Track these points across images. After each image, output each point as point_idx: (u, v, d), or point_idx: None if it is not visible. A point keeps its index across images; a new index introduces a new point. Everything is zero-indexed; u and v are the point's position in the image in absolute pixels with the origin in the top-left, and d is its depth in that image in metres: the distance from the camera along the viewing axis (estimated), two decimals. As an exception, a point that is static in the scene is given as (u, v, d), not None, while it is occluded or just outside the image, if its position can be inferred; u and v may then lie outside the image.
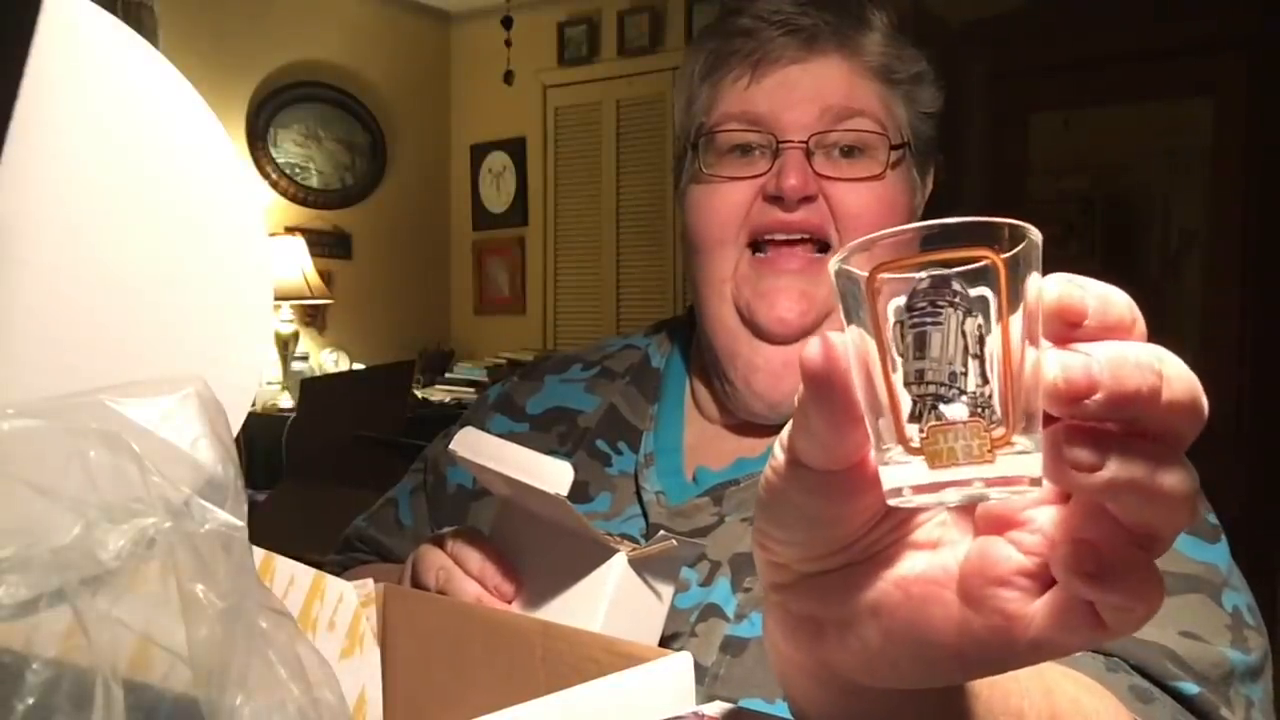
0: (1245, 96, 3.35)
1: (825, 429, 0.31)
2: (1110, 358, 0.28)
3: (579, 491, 0.84)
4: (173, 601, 0.35)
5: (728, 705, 0.48)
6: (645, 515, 0.81)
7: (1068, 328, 0.29)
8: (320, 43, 4.64)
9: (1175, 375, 0.29)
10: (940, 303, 0.30)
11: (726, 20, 0.82)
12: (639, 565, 0.60)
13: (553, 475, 0.58)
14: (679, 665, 0.46)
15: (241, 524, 0.37)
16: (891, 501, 0.31)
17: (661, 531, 0.61)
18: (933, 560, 0.34)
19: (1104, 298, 0.30)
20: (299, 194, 4.58)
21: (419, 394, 4.50)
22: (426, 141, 5.08)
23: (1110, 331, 0.29)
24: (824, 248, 0.77)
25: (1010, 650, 0.31)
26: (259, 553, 0.52)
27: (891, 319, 0.30)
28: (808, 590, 0.35)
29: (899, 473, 0.30)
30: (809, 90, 0.77)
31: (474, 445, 0.63)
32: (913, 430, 0.30)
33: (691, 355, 0.90)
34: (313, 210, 4.64)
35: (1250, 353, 3.35)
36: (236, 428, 0.46)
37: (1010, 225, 0.31)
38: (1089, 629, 0.30)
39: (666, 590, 0.62)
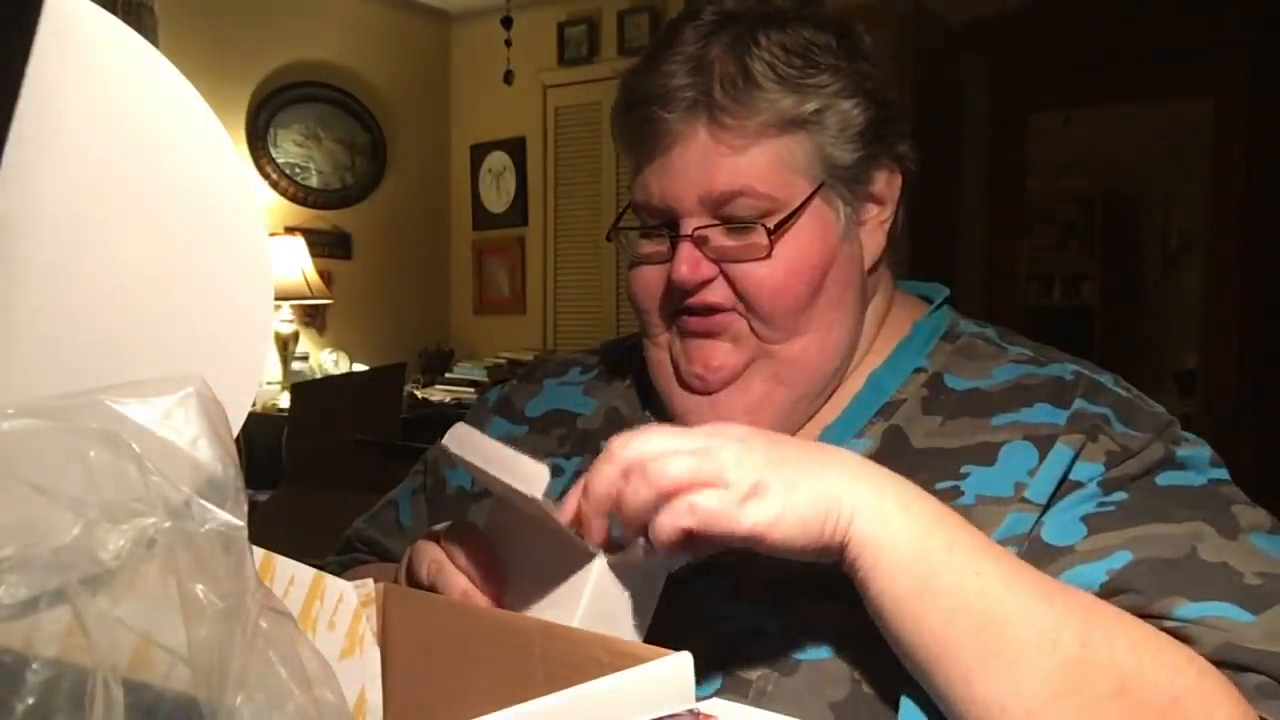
0: (1245, 96, 3.35)
1: None
2: None
3: None
4: (173, 601, 0.35)
5: (728, 705, 0.48)
6: None
7: None
8: (320, 43, 4.64)
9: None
10: None
11: (624, 88, 0.81)
12: (619, 568, 0.61)
13: (529, 476, 0.58)
14: (679, 665, 0.46)
15: (241, 524, 0.37)
16: None
17: (642, 539, 0.61)
18: None
19: None
20: (299, 194, 4.58)
21: (419, 394, 4.50)
22: (426, 141, 5.08)
23: None
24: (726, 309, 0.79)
25: None
26: (259, 553, 0.52)
27: None
28: None
29: None
30: (686, 177, 0.76)
31: (464, 442, 0.64)
32: None
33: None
34: (313, 210, 4.64)
35: (1250, 353, 3.35)
36: (237, 428, 0.46)
37: None
38: None
39: (648, 595, 0.62)
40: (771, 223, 0.75)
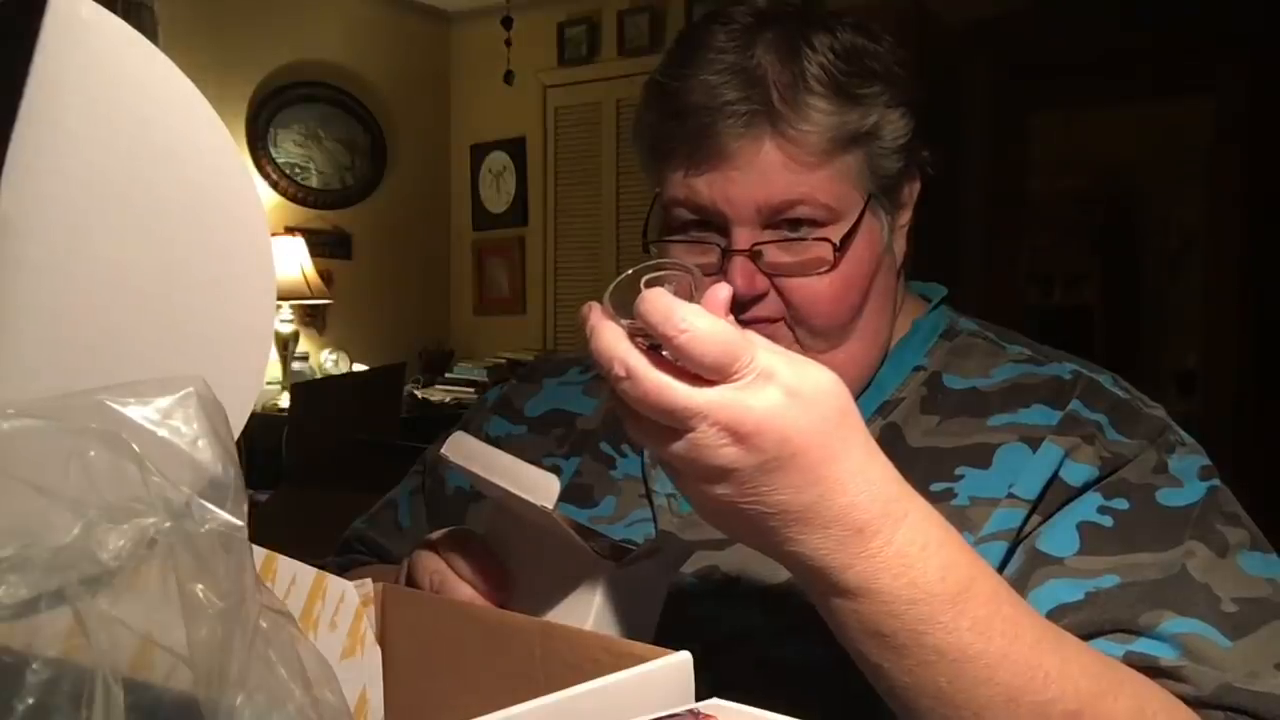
0: (1245, 96, 3.35)
1: None
2: None
3: (584, 496, 0.84)
4: (173, 601, 0.35)
5: (727, 705, 0.48)
6: (655, 519, 0.80)
7: None
8: (320, 43, 4.64)
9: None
10: None
11: (663, 96, 0.77)
12: (627, 574, 0.60)
13: (539, 486, 0.57)
14: (679, 665, 0.46)
15: (242, 524, 0.37)
16: None
17: (647, 537, 0.61)
18: None
19: None
20: (299, 194, 4.58)
21: (419, 394, 4.50)
22: (426, 141, 5.08)
23: None
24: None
25: None
26: (260, 553, 0.52)
27: None
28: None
29: None
30: (745, 187, 0.73)
31: (466, 450, 0.63)
32: None
33: None
34: (313, 210, 4.64)
35: (1250, 353, 3.35)
36: (239, 428, 0.46)
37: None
38: None
39: (655, 598, 0.62)
40: (836, 236, 0.74)
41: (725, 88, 0.73)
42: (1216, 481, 0.72)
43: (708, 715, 0.45)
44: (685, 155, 0.75)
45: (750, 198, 0.74)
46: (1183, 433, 0.75)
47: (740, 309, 0.75)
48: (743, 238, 0.74)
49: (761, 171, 0.73)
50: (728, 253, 0.75)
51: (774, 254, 0.75)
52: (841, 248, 0.74)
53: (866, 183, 0.76)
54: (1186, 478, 0.71)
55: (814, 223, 0.74)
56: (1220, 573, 0.66)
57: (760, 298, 0.75)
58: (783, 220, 0.74)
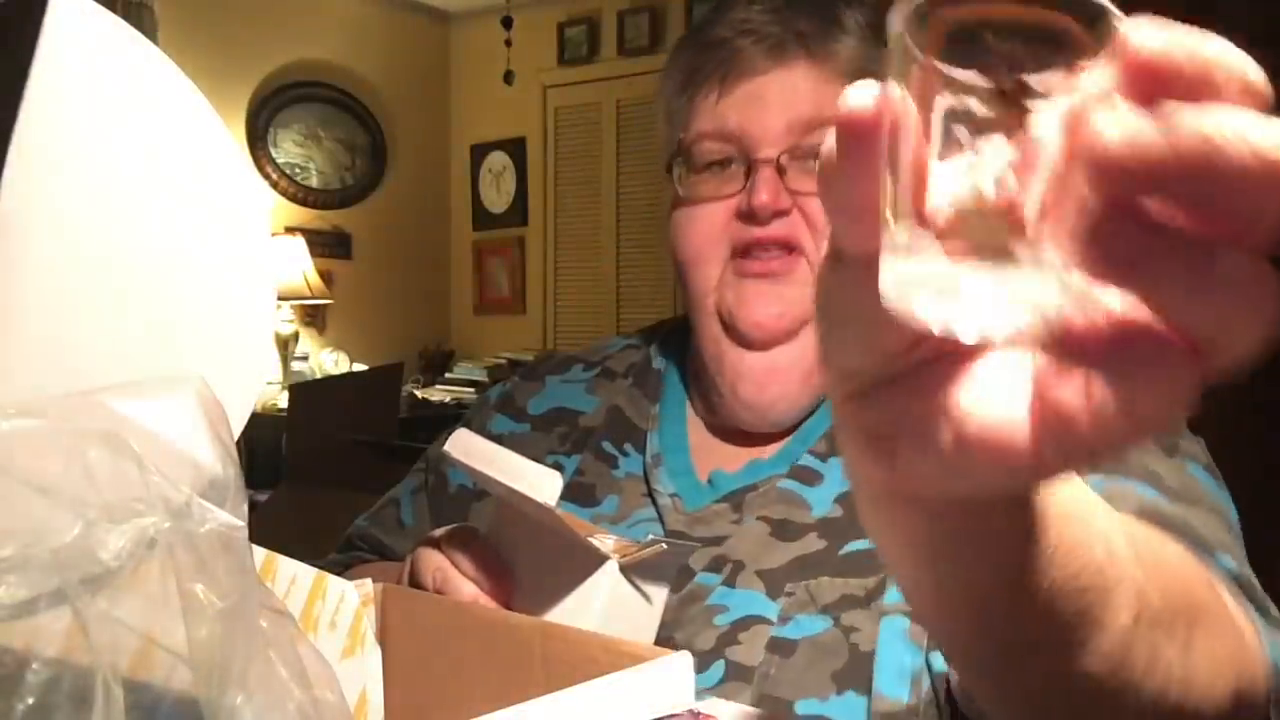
0: (1245, 96, 3.36)
1: (859, 196, 0.26)
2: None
3: (586, 495, 0.84)
4: (173, 601, 0.35)
5: (727, 704, 0.48)
6: (661, 519, 0.80)
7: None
8: (320, 43, 4.64)
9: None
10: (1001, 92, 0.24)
11: (698, 32, 0.81)
12: (631, 571, 0.60)
13: (542, 484, 0.57)
14: (679, 665, 0.46)
15: (242, 524, 0.37)
16: (888, 304, 0.25)
17: (650, 535, 0.61)
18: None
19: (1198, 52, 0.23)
20: (299, 194, 4.58)
21: (419, 394, 4.50)
22: (426, 141, 5.08)
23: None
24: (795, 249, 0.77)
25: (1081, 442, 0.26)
26: (261, 553, 0.52)
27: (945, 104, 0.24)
28: (878, 399, 0.30)
29: (905, 266, 0.24)
30: (777, 102, 0.76)
31: (468, 447, 0.63)
32: (937, 211, 0.24)
33: (689, 358, 0.90)
34: (313, 210, 4.64)
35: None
36: (240, 428, 0.46)
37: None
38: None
39: (660, 593, 0.62)
40: None
41: (759, 20, 0.77)
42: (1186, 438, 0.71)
43: (708, 715, 0.45)
44: (718, 79, 0.77)
45: (780, 114, 0.75)
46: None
47: (761, 224, 0.76)
48: (768, 153, 0.76)
49: (793, 87, 0.76)
50: (753, 166, 0.76)
51: (798, 175, 0.76)
52: None
53: None
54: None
55: None
56: (1169, 465, 0.64)
57: (783, 214, 0.75)
58: (808, 149, 0.75)
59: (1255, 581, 0.59)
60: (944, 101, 0.24)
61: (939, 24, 0.24)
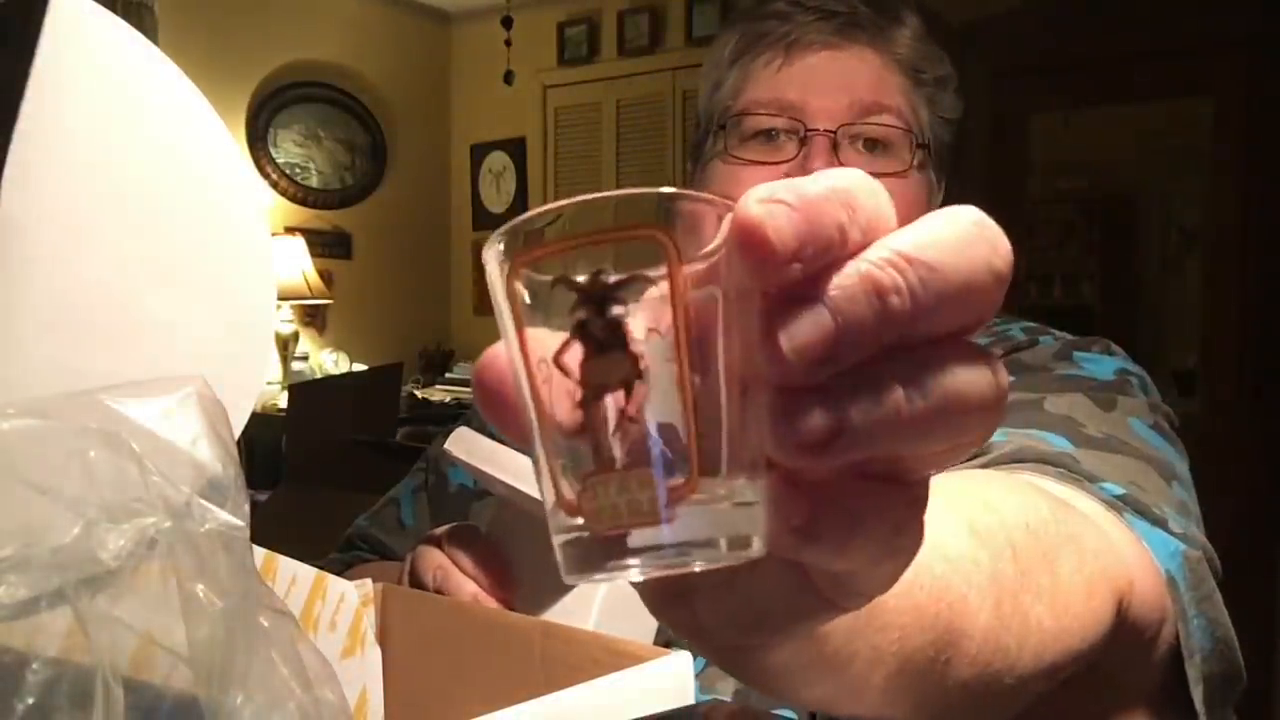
0: (1245, 96, 3.35)
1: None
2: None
3: None
4: (173, 601, 0.35)
5: (726, 704, 0.48)
6: None
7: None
8: (320, 43, 4.64)
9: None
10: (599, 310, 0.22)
11: (761, 3, 0.82)
12: None
13: None
14: (679, 665, 0.46)
15: (242, 524, 0.37)
16: (568, 579, 0.24)
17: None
18: None
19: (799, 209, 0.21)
20: (299, 194, 4.58)
21: (419, 394, 4.50)
22: (426, 141, 5.08)
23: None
24: None
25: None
26: (261, 552, 0.52)
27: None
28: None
29: (568, 542, 0.23)
30: (839, 80, 0.77)
31: (469, 445, 0.63)
32: (569, 484, 0.23)
33: None
34: (313, 210, 4.63)
35: (1250, 352, 3.35)
36: (240, 428, 0.46)
37: (660, 194, 0.22)
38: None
39: None
40: (905, 155, 0.77)
41: (826, 4, 0.79)
42: (1136, 379, 0.71)
43: (706, 716, 0.45)
44: (783, 48, 0.78)
45: (844, 91, 0.76)
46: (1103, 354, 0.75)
47: None
48: (827, 124, 0.77)
49: (856, 68, 0.77)
50: (807, 137, 0.76)
51: (852, 154, 0.77)
52: (917, 162, 0.77)
53: (927, 132, 0.79)
54: (1100, 370, 0.70)
55: (888, 146, 0.77)
56: (1106, 418, 0.64)
57: None
58: (862, 131, 0.77)
59: (1150, 501, 0.58)
60: (553, 345, 0.23)
61: (521, 275, 0.23)
